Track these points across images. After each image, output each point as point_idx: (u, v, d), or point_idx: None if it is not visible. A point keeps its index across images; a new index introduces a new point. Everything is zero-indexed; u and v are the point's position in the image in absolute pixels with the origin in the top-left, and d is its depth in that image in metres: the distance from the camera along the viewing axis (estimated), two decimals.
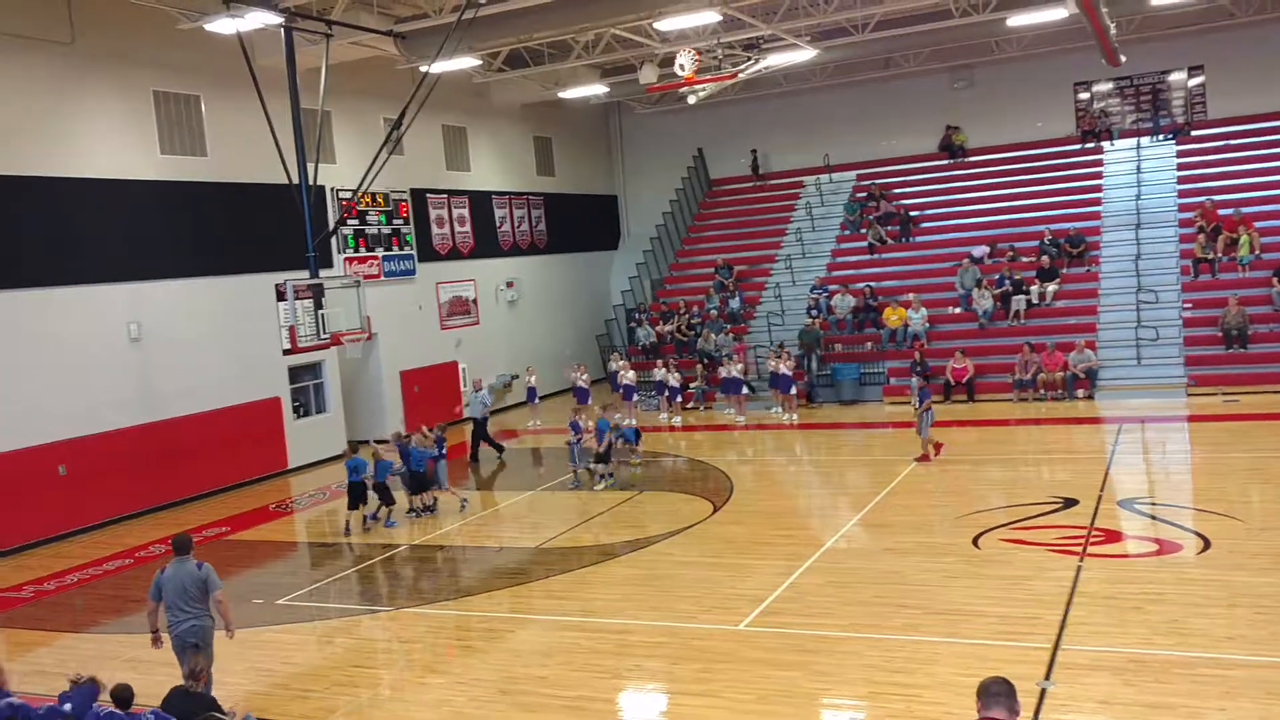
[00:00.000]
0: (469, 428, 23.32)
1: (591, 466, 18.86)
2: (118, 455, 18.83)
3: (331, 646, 12.01)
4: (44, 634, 13.31)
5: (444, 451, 18.32)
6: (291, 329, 18.59)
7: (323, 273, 19.39)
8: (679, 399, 25.73)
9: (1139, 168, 29.37)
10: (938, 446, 18.51)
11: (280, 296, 18.32)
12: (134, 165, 19.70)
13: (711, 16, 20.66)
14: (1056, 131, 31.28)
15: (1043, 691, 8.82)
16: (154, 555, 16.52)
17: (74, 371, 18.37)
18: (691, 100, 28.62)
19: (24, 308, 17.70)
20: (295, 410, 23.05)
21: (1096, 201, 28.78)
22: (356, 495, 16.83)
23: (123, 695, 8.13)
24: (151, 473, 19.35)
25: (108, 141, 19.30)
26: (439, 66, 19.28)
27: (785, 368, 24.23)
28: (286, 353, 21.66)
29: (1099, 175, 29.74)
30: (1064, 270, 26.80)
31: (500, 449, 22.62)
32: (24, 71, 17.86)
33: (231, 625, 9.91)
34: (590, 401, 25.49)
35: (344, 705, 10.10)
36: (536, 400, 26.91)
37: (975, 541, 13.41)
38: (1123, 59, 27.44)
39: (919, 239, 30.22)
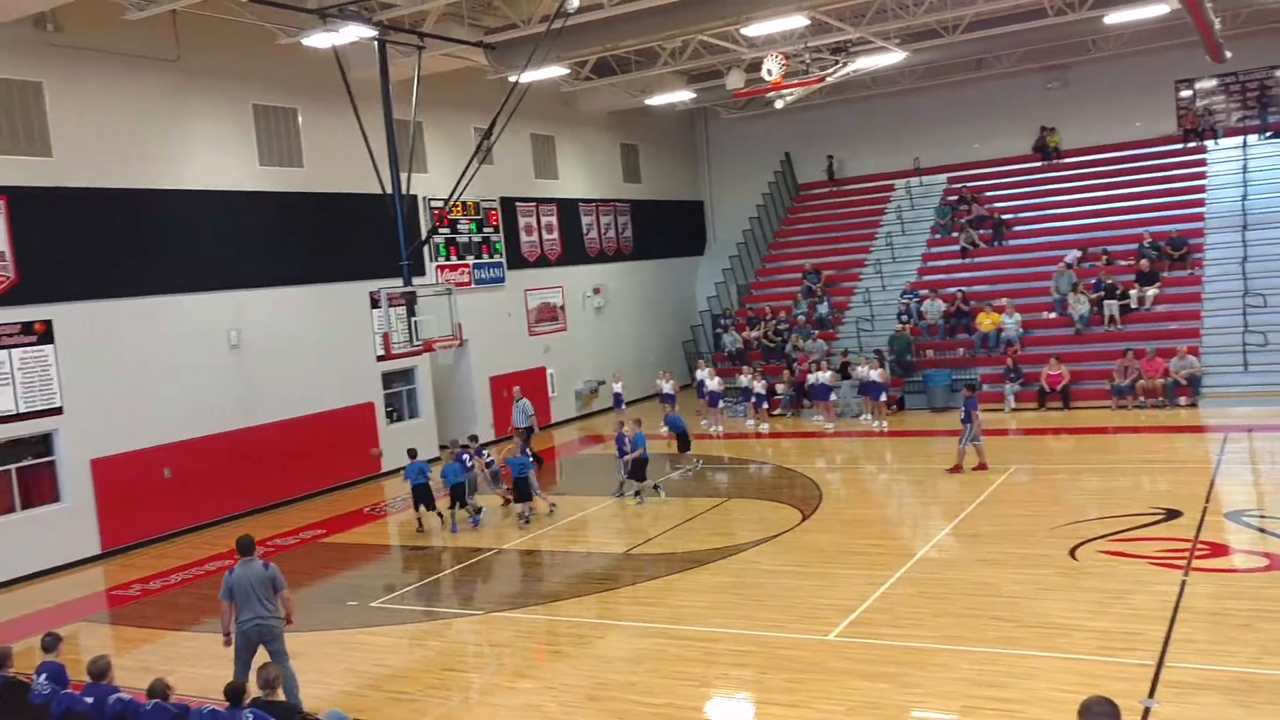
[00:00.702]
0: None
1: (624, 480, 18.66)
2: (219, 459, 19.40)
3: (423, 649, 12.19)
4: (150, 631, 13.77)
5: (530, 459, 18.27)
6: (385, 336, 19.00)
7: (415, 280, 19.78)
8: (765, 405, 25.58)
9: (1245, 167, 28.31)
10: (982, 466, 18.17)
11: (375, 304, 18.75)
12: (235, 177, 20.31)
13: (799, 21, 20.53)
14: (1156, 131, 30.36)
15: (1146, 710, 8.54)
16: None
17: (178, 377, 18.99)
18: (779, 105, 28.46)
19: (133, 315, 18.37)
20: (389, 415, 23.50)
21: (1199, 203, 27.84)
22: (422, 497, 17.44)
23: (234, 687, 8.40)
24: (250, 476, 19.88)
25: (211, 154, 19.94)
26: (528, 76, 19.51)
27: (875, 374, 23.93)
28: (380, 359, 22.17)
29: (1202, 175, 28.76)
30: (1164, 274, 25.98)
31: (539, 461, 21.35)
32: (134, 89, 18.55)
33: (292, 618, 10.46)
34: (676, 408, 25.48)
35: (436, 708, 10.25)
36: (622, 406, 26.99)
37: (1073, 553, 13.06)
38: (1228, 55, 26.53)
39: (1011, 243, 29.60)
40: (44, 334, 17.13)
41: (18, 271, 16.80)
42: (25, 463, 17.16)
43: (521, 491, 17.35)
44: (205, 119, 19.86)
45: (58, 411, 17.27)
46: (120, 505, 17.88)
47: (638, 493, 18.41)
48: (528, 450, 18.38)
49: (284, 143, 21.34)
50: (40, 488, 17.35)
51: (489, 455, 19.46)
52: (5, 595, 16.02)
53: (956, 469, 18.17)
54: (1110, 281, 25.62)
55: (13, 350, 16.72)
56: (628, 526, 16.96)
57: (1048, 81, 31.42)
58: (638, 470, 18.49)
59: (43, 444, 17.37)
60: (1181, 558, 12.49)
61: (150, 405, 18.47)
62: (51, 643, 9.86)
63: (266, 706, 8.17)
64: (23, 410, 16.84)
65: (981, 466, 18.12)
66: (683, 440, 20.94)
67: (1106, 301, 25.29)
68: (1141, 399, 22.86)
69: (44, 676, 9.32)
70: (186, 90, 19.43)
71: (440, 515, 17.66)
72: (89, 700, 8.82)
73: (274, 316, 20.88)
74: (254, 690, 8.47)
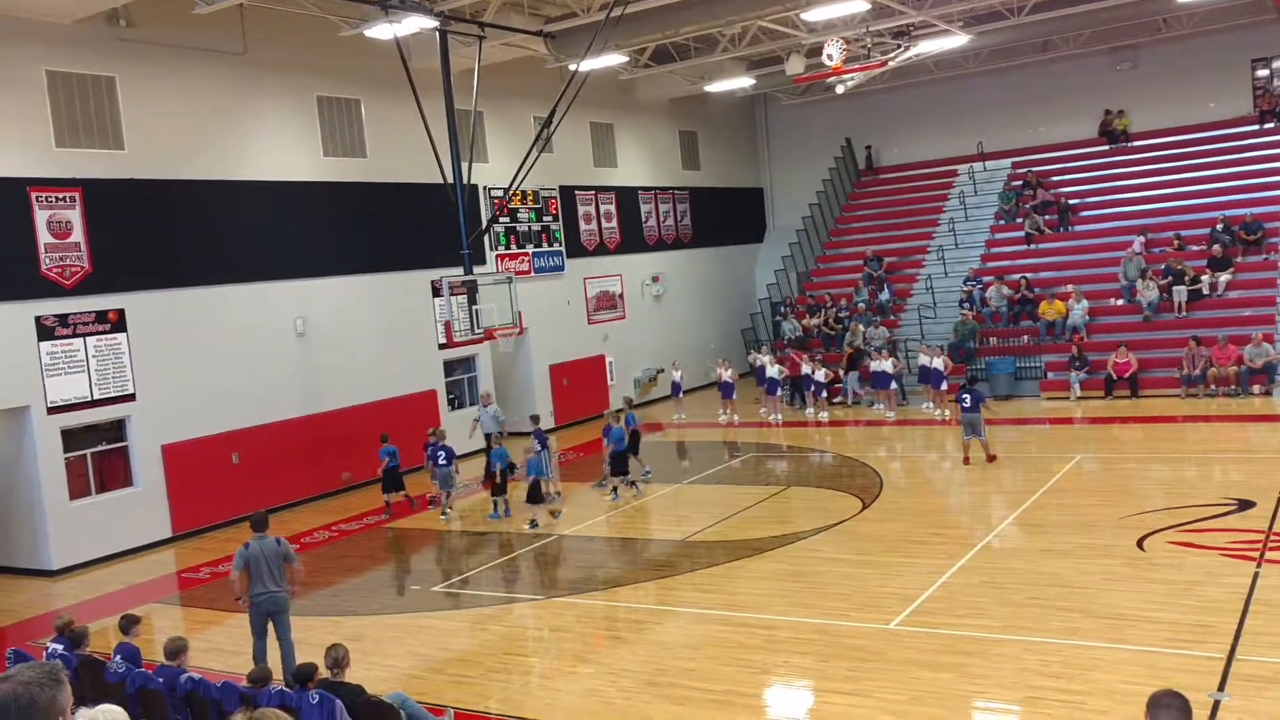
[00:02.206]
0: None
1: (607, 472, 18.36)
2: (285, 445, 19.78)
3: (485, 633, 12.33)
4: (218, 613, 14.08)
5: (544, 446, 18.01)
6: (447, 324, 19.17)
7: (476, 269, 19.93)
8: (825, 394, 25.42)
9: None
10: (991, 457, 18.16)
11: (436, 292, 18.92)
12: (299, 167, 20.64)
13: (860, 5, 20.30)
14: (1231, 112, 29.54)
15: (1216, 704, 8.37)
16: (318, 541, 17.31)
17: (246, 365, 19.38)
18: (840, 90, 28.22)
19: (201, 304, 18.77)
20: (450, 402, 23.76)
21: (1276, 185, 27.03)
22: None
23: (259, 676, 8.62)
24: (316, 462, 20.24)
25: (276, 145, 20.28)
26: (587, 64, 19.53)
27: (937, 362, 23.66)
28: (442, 347, 22.40)
29: (1279, 158, 27.95)
30: (1238, 259, 25.32)
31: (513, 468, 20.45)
32: (201, 82, 18.92)
33: (297, 587, 11.26)
34: (735, 396, 25.46)
35: (498, 691, 10.37)
36: (681, 395, 27.02)
37: (1140, 544, 12.82)
38: None
39: (1078, 228, 29.05)
40: (117, 323, 17.58)
41: (92, 261, 17.25)
42: (100, 448, 17.64)
43: (533, 494, 16.91)
44: (271, 111, 20.19)
45: (130, 398, 17.72)
46: (190, 490, 18.32)
47: (614, 488, 18.23)
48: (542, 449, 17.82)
49: (348, 134, 21.62)
50: (115, 472, 17.84)
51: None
52: (83, 576, 16.50)
53: (967, 460, 18.21)
54: (1179, 267, 25.03)
55: (88, 338, 17.18)
56: (686, 514, 16.98)
57: (1117, 63, 30.72)
58: (618, 463, 18.16)
59: (117, 429, 17.85)
60: (1254, 549, 12.20)
61: (218, 392, 18.87)
62: (128, 625, 10.16)
63: (333, 687, 8.32)
64: (97, 397, 17.31)
65: (990, 458, 18.16)
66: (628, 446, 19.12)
67: (1175, 288, 24.72)
68: (1213, 387, 22.34)
69: (120, 657, 9.61)
70: (253, 83, 19.76)
71: (409, 498, 18.70)
72: (161, 679, 9.06)
73: (338, 305, 21.20)
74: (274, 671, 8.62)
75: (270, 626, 10.97)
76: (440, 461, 18.09)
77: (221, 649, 12.27)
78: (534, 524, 16.66)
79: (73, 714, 2.78)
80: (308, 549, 16.74)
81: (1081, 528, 13.82)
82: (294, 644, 10.93)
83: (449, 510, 18.10)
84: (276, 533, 15.52)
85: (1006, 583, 11.97)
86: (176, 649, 9.25)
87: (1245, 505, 14.05)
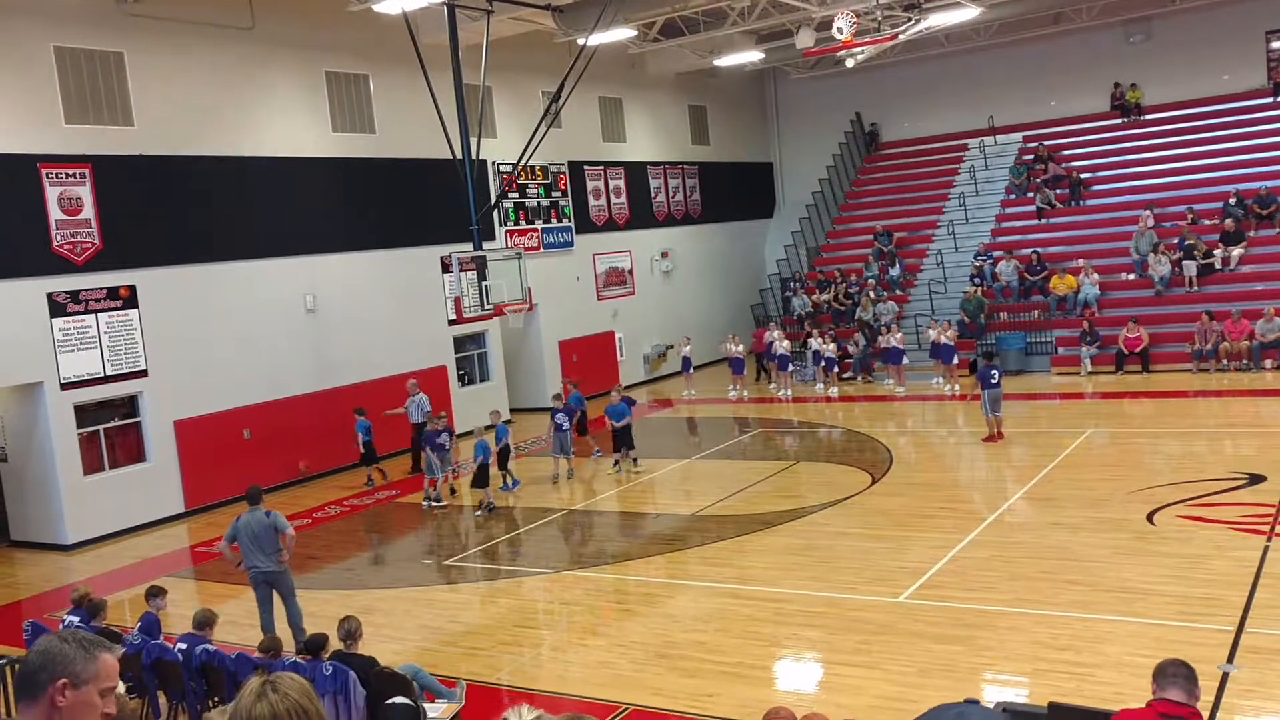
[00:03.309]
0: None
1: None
2: (296, 420, 19.86)
3: (496, 606, 12.43)
4: (232, 586, 14.16)
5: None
6: (457, 300, 19.20)
7: (485, 245, 19.92)
8: (835, 369, 25.41)
9: None
10: (997, 436, 18.03)
11: (446, 268, 18.92)
12: (308, 143, 20.62)
13: None
14: (1244, 85, 29.28)
15: (1225, 676, 8.41)
16: (330, 516, 17.42)
17: (257, 341, 19.45)
18: (850, 64, 28.07)
19: (211, 280, 18.82)
20: (460, 379, 23.82)
21: None
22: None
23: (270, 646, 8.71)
24: (326, 437, 20.32)
25: (284, 121, 20.26)
26: (595, 38, 19.46)
27: (947, 337, 23.62)
28: (452, 323, 22.43)
29: None
30: (1251, 233, 25.18)
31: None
32: (211, 58, 18.89)
33: (287, 557, 11.20)
34: (745, 372, 25.47)
35: (509, 663, 10.46)
36: (690, 370, 27.02)
37: (1150, 518, 12.84)
38: None
39: (1089, 203, 28.90)
40: (128, 299, 17.65)
41: (102, 237, 17.29)
42: (113, 423, 17.75)
43: (481, 477, 16.72)
44: (279, 86, 20.16)
45: (143, 374, 17.81)
46: (202, 465, 18.43)
47: (616, 461, 18.42)
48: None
49: (356, 109, 21.58)
50: (128, 448, 17.96)
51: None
52: (97, 551, 16.64)
53: (991, 439, 18.02)
54: (1191, 241, 24.90)
55: (100, 315, 17.25)
56: (695, 489, 17.03)
57: (1129, 35, 30.45)
58: (622, 438, 18.25)
59: (129, 405, 17.95)
60: (1265, 523, 12.20)
61: (230, 368, 18.95)
62: (153, 595, 10.31)
63: (346, 659, 8.40)
64: (110, 373, 17.40)
65: (996, 436, 18.01)
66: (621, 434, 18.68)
67: (1186, 262, 24.60)
68: (1225, 362, 22.27)
69: (139, 627, 9.73)
70: (261, 58, 19.73)
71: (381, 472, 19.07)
72: (180, 649, 9.16)
73: (348, 281, 21.22)
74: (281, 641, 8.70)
75: (276, 597, 11.11)
76: (443, 444, 17.69)
77: (237, 622, 12.37)
78: (488, 508, 16.55)
79: (104, 697, 2.75)
80: (319, 524, 16.85)
81: (1091, 502, 13.83)
82: (300, 609, 11.11)
83: (436, 495, 17.45)
84: (288, 509, 15.62)
85: (1016, 556, 12.00)
86: (204, 620, 9.37)
87: (1256, 479, 14.04)
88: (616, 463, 18.46)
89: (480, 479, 16.81)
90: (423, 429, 18.94)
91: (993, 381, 17.87)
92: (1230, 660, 8.70)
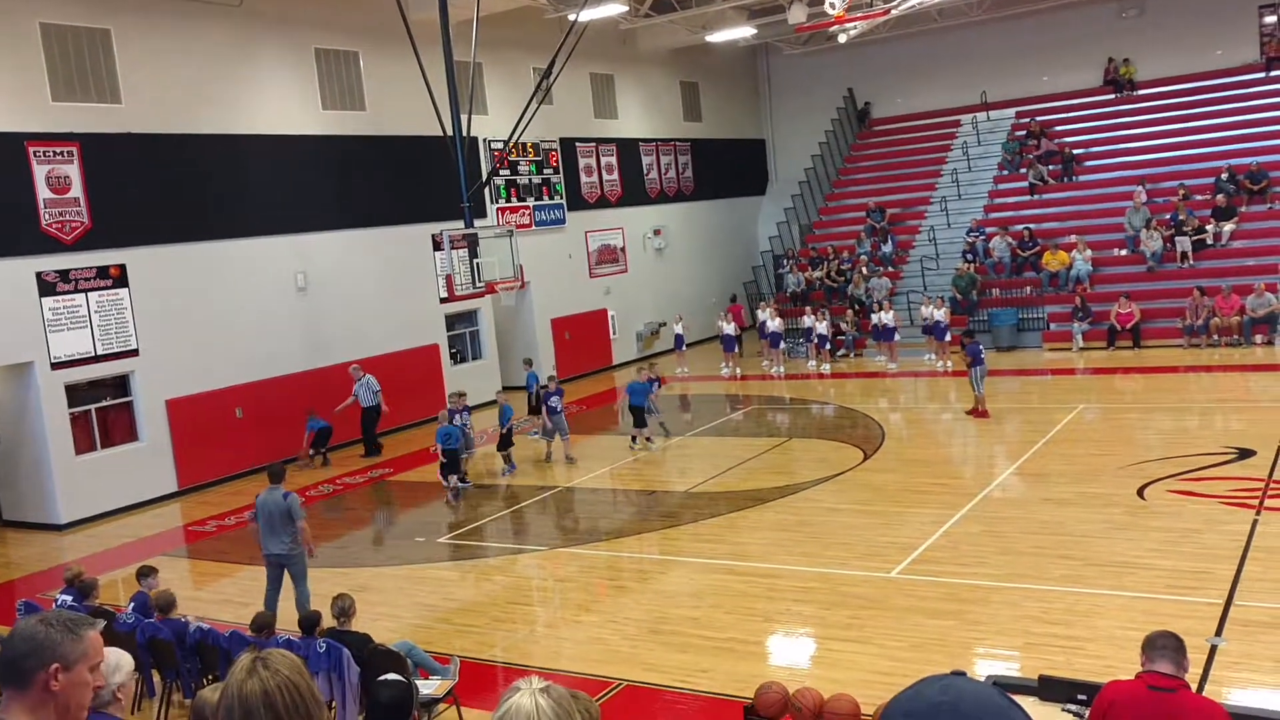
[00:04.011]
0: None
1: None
2: (288, 399, 19.82)
3: (490, 583, 12.46)
4: (226, 565, 14.23)
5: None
6: (448, 278, 19.14)
7: (476, 223, 19.84)
8: (828, 346, 25.43)
9: None
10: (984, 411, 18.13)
11: (437, 246, 18.85)
12: (298, 121, 20.50)
13: None
14: (1237, 60, 29.21)
15: (1213, 648, 8.47)
16: (323, 495, 17.43)
17: (247, 320, 19.38)
18: (842, 39, 27.92)
19: (202, 259, 18.73)
20: (452, 357, 23.79)
21: None
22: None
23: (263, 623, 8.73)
24: (318, 416, 20.26)
25: (274, 99, 20.13)
26: (587, 14, 19.34)
27: (940, 314, 23.64)
28: (443, 301, 22.40)
29: None
30: (1242, 208, 25.19)
31: (379, 450, 20.24)
32: (198, 35, 18.73)
33: (311, 550, 11.01)
34: (737, 350, 25.47)
35: (502, 640, 10.50)
36: (683, 348, 27.03)
37: (1140, 492, 12.90)
38: None
39: (1082, 178, 28.88)
40: (119, 278, 17.57)
41: (91, 216, 17.20)
42: (105, 403, 17.70)
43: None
44: (268, 64, 20.02)
45: (134, 353, 17.75)
46: (195, 444, 18.40)
47: (633, 438, 18.44)
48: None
49: (346, 87, 21.45)
50: (119, 427, 17.92)
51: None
52: (90, 530, 16.64)
53: (977, 412, 18.13)
54: (1184, 217, 24.90)
55: (90, 294, 17.18)
56: (689, 466, 17.07)
57: (1123, 10, 30.37)
58: (638, 417, 18.26)
59: (121, 385, 17.90)
60: (1254, 497, 12.27)
61: (221, 347, 18.90)
62: (144, 574, 10.31)
63: (339, 635, 8.43)
64: (101, 352, 17.34)
65: (983, 412, 18.10)
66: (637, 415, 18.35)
67: (1179, 238, 24.61)
68: (1215, 337, 22.33)
69: (132, 606, 9.74)
70: (250, 35, 19.57)
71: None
72: (169, 630, 9.18)
73: (339, 259, 21.15)
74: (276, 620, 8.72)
75: (288, 578, 11.01)
76: (465, 425, 17.51)
77: (231, 600, 12.41)
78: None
79: (94, 672, 2.76)
80: (313, 501, 16.85)
81: (1082, 477, 13.89)
82: (309, 593, 10.90)
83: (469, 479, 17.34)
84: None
85: (1007, 531, 12.06)
86: (167, 603, 9.40)
87: (1245, 454, 14.11)
88: (634, 440, 18.40)
89: (505, 441, 17.59)
90: (376, 411, 19.37)
91: (981, 357, 17.99)
92: (1219, 633, 8.77)
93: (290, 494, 10.90)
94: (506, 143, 21.82)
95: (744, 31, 28.73)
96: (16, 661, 2.65)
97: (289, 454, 19.68)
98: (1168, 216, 25.39)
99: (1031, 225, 27.07)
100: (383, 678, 7.14)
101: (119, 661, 3.79)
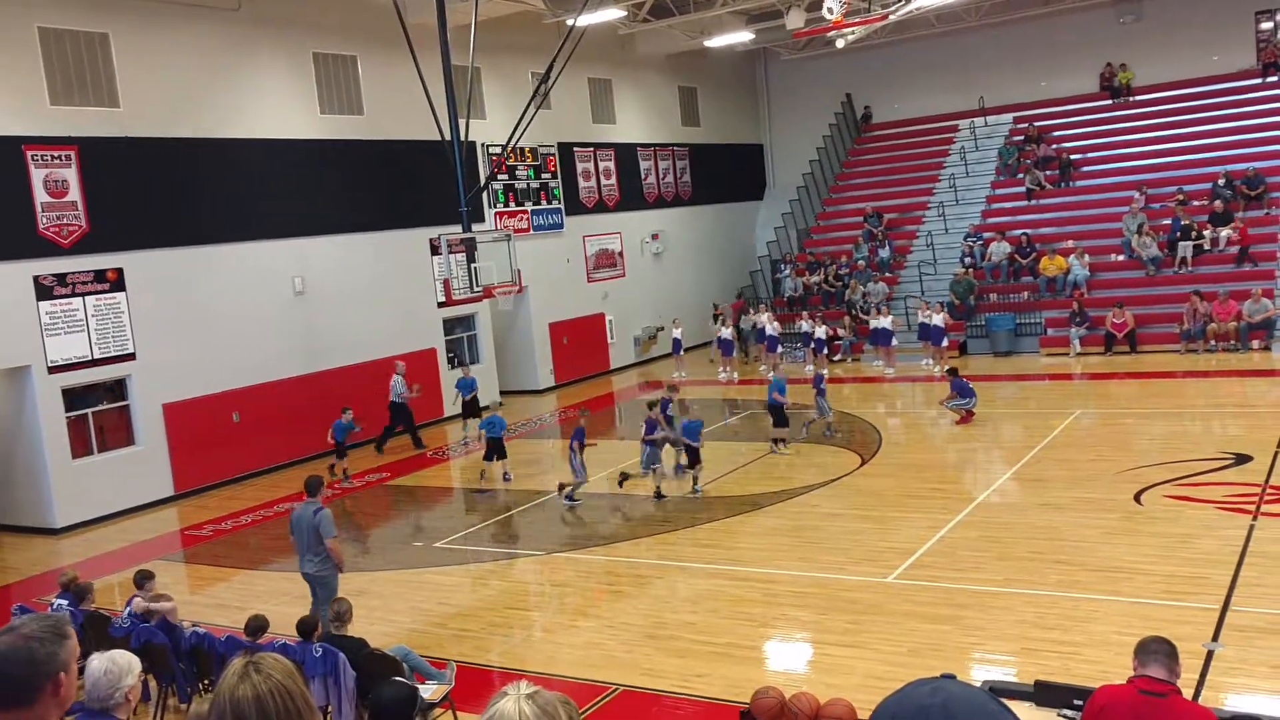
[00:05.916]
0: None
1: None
2: (286, 403, 19.80)
3: (487, 588, 12.44)
4: (223, 570, 14.21)
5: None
6: (446, 282, 19.13)
7: (475, 227, 19.85)
8: (825, 351, 25.42)
9: None
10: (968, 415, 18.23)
11: (435, 250, 18.84)
12: (296, 125, 20.50)
13: None
14: (1234, 65, 29.28)
15: (1210, 654, 8.47)
16: (323, 498, 17.35)
17: (245, 324, 19.37)
18: (840, 44, 27.94)
19: (200, 263, 18.73)
20: (450, 361, 23.76)
21: (1278, 140, 26.89)
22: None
23: (258, 625, 8.70)
24: (316, 420, 20.24)
25: (272, 103, 20.13)
26: (585, 19, 19.35)
27: (937, 319, 23.65)
28: (441, 305, 22.36)
29: None
30: (1239, 214, 25.21)
31: (382, 443, 20.52)
32: (196, 39, 18.74)
33: (341, 567, 10.67)
34: (734, 354, 25.45)
35: (499, 645, 10.48)
36: (681, 352, 27.02)
37: (1137, 498, 12.90)
38: None
39: (1079, 184, 28.92)
40: (116, 282, 17.55)
41: (89, 220, 17.19)
42: (101, 407, 17.68)
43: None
44: (267, 68, 20.02)
45: (131, 357, 17.74)
46: (191, 448, 18.38)
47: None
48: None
49: (344, 91, 21.45)
50: (116, 431, 17.90)
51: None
52: (86, 534, 16.61)
53: (965, 419, 18.26)
54: (1186, 222, 24.92)
55: (87, 298, 17.17)
56: (687, 470, 17.00)
57: (1121, 15, 30.42)
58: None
59: (118, 389, 17.88)
60: (1250, 502, 12.27)
61: (218, 351, 18.88)
62: (140, 580, 10.28)
63: (336, 640, 8.41)
64: (98, 356, 17.32)
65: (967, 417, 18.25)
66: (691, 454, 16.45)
67: (1180, 243, 24.63)
68: (1213, 343, 22.34)
69: (128, 611, 9.71)
70: (248, 40, 19.58)
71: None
72: (165, 635, 9.16)
73: (337, 263, 21.14)
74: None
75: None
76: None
77: (227, 605, 12.38)
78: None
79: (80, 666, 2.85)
80: None
81: (1079, 482, 13.89)
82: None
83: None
84: (278, 491, 15.55)
85: (1005, 537, 12.05)
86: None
87: (1242, 459, 14.12)
88: (679, 467, 16.75)
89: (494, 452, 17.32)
90: (403, 408, 19.39)
91: (970, 390, 18.25)
92: (1215, 638, 8.77)
93: (322, 509, 10.37)
94: (504, 147, 21.83)
95: (742, 36, 28.77)
96: (21, 681, 2.65)
97: (286, 459, 19.71)
98: (1167, 222, 25.41)
99: (1029, 230, 27.11)
100: (385, 682, 7.12)
101: (129, 664, 3.79)
